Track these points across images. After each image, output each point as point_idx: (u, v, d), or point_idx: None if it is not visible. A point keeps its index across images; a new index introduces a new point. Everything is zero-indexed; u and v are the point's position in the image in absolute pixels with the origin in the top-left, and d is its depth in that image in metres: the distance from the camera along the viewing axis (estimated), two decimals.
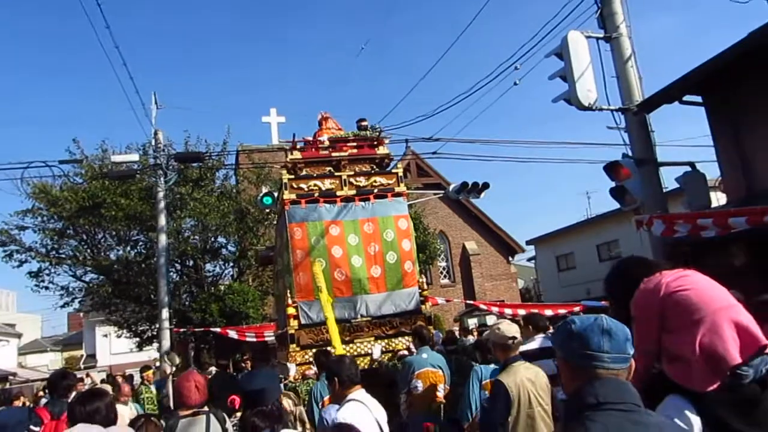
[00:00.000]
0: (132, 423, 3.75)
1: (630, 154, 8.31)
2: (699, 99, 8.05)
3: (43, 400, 11.14)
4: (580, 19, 9.10)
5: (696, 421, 1.89)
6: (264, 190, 12.81)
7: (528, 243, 30.36)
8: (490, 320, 18.80)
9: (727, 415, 1.86)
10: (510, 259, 28.15)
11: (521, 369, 3.99)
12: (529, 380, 3.92)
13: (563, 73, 8.41)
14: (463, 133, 26.34)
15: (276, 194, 9.67)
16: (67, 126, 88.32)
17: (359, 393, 3.55)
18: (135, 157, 14.68)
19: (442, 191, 18.21)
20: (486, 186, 15.00)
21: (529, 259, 34.71)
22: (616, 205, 8.72)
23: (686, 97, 7.92)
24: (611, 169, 7.82)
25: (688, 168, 8.58)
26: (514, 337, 4.15)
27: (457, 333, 16.03)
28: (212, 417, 3.80)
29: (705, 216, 6.19)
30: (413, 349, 7.18)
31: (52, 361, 44.27)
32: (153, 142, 14.63)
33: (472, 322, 18.05)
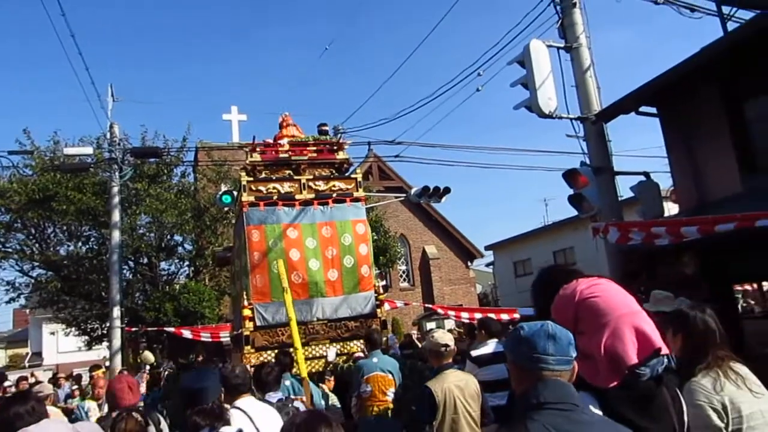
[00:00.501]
0: (114, 418, 3.58)
1: (588, 162, 8.50)
2: (654, 110, 8.26)
3: None
4: (542, 28, 9.28)
5: (598, 414, 2.07)
6: (223, 188, 12.59)
7: (486, 248, 30.70)
8: (448, 324, 18.92)
9: (626, 409, 2.04)
10: (469, 263, 28.43)
11: (451, 376, 4.33)
12: (457, 387, 4.24)
13: (525, 80, 8.52)
14: (424, 138, 26.51)
15: (235, 193, 9.64)
16: (16, 117, 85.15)
17: (245, 401, 3.51)
18: (89, 150, 14.22)
19: (404, 195, 18.27)
20: (447, 190, 15.13)
21: (487, 265, 35.14)
22: (572, 213, 8.90)
23: (642, 108, 8.10)
24: (570, 176, 7.96)
25: (642, 177, 8.81)
26: (447, 345, 4.49)
27: (415, 337, 16.12)
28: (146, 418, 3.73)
29: (659, 224, 6.34)
30: (367, 352, 7.12)
31: None
32: (108, 136, 14.23)
33: (431, 326, 18.16)
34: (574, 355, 1.80)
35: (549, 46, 8.63)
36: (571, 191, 8.16)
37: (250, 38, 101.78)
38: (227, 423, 2.99)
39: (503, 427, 1.80)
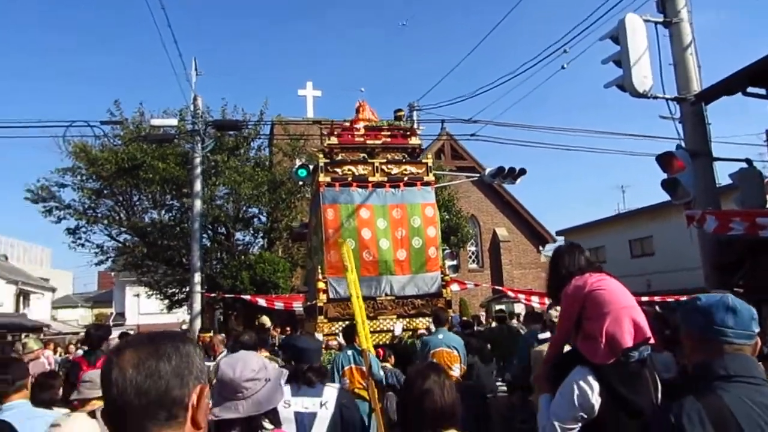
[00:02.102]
0: None
1: (683, 146, 8.01)
2: (763, 92, 7.63)
3: (79, 352, 11.50)
4: (636, 3, 8.77)
5: (596, 385, 2.52)
6: (298, 162, 12.80)
7: (558, 234, 29.82)
8: (518, 308, 18.62)
9: (617, 383, 2.51)
10: (540, 248, 27.75)
11: None
12: None
13: (618, 57, 8.10)
14: (500, 117, 25.86)
15: (310, 167, 9.91)
16: (107, 85, 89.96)
17: None
18: (174, 121, 14.76)
19: (477, 175, 17.97)
20: (523, 172, 14.76)
21: None
22: (651, 201, 8.47)
23: (750, 89, 7.50)
24: (664, 160, 7.53)
25: (743, 164, 8.24)
26: None
27: (483, 319, 15.95)
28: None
29: (764, 215, 5.90)
30: (432, 329, 7.53)
31: (82, 317, 45.62)
32: (192, 108, 14.70)
33: (499, 308, 17.91)
34: (757, 330, 1.80)
35: (646, 21, 8.15)
36: (664, 175, 7.72)
37: (326, 14, 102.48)
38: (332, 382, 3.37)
39: (690, 396, 1.71)
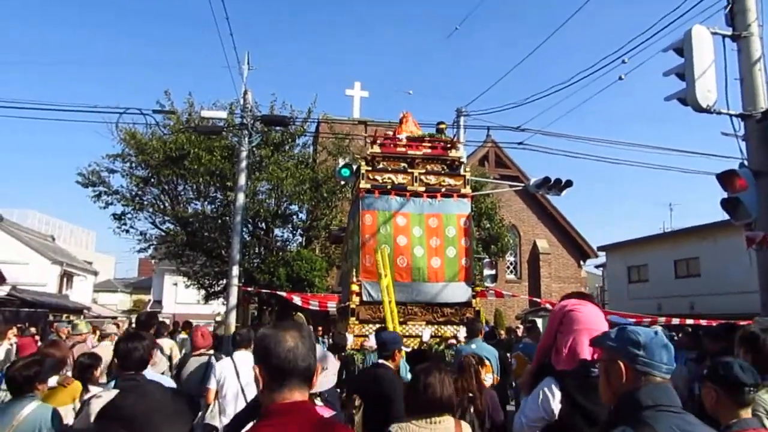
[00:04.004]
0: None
1: (746, 164, 7.65)
2: None
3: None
4: (702, 15, 8.45)
5: (557, 393, 2.93)
6: (342, 162, 12.80)
7: (599, 249, 29.19)
8: None
9: (576, 392, 2.86)
10: (581, 262, 27.17)
11: None
12: None
13: (681, 69, 7.82)
14: (549, 127, 25.43)
15: (354, 167, 10.07)
16: (160, 71, 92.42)
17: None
18: (224, 114, 14.94)
19: (520, 184, 17.68)
20: (569, 184, 14.44)
21: (597, 266, 33.46)
22: (697, 221, 8.13)
23: None
24: (725, 178, 7.20)
25: None
26: None
27: (519, 332, 15.62)
28: (212, 358, 5.52)
29: None
30: (460, 338, 7.87)
31: (121, 301, 46.85)
32: (242, 102, 14.85)
33: (531, 320, 17.54)
34: (675, 365, 2.03)
35: (713, 34, 7.84)
36: (714, 195, 7.42)
37: (377, 16, 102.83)
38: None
39: (624, 426, 1.86)
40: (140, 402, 1.76)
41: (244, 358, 5.18)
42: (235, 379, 4.96)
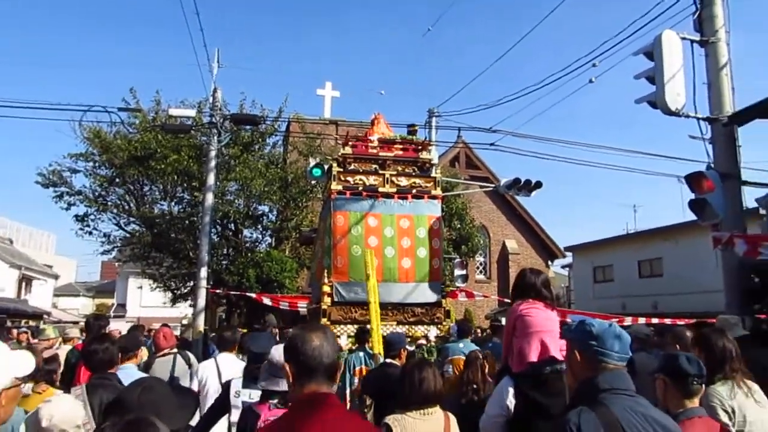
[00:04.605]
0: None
1: (712, 167, 7.84)
2: None
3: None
4: (672, 20, 8.63)
5: (511, 390, 3.31)
6: (312, 162, 12.69)
7: (566, 249, 29.63)
8: None
9: (529, 389, 3.25)
10: (549, 262, 27.54)
11: None
12: None
13: (651, 73, 7.97)
14: (521, 130, 25.70)
15: (325, 167, 10.07)
16: (124, 73, 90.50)
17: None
18: (192, 112, 14.63)
19: (491, 185, 17.81)
20: (539, 185, 14.61)
21: (563, 266, 33.97)
22: (662, 222, 8.33)
23: None
24: (694, 180, 7.36)
25: None
26: None
27: (489, 331, 15.73)
28: (177, 356, 5.61)
29: None
30: (430, 338, 8.14)
31: (83, 306, 45.56)
32: (211, 100, 14.57)
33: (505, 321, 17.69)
34: (630, 354, 2.25)
35: (683, 39, 8.01)
36: (676, 197, 7.59)
37: (349, 16, 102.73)
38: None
39: (583, 407, 2.07)
40: (144, 396, 1.95)
41: (228, 360, 5.13)
42: (217, 381, 4.92)
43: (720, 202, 7.33)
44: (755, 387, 3.30)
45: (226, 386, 4.08)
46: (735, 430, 3.10)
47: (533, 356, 3.37)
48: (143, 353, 6.18)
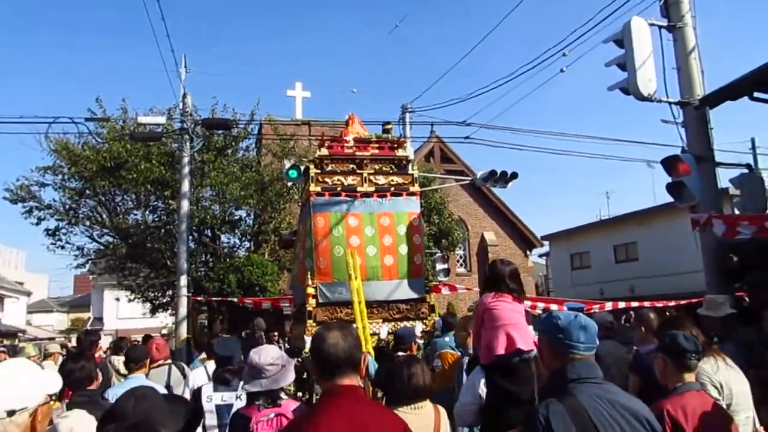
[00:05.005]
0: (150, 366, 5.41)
1: (687, 150, 7.97)
2: None
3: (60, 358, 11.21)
4: (639, 7, 8.74)
5: (482, 380, 3.60)
6: (288, 163, 12.61)
7: (543, 238, 29.96)
8: None
9: (499, 377, 3.52)
10: (528, 252, 27.79)
11: None
12: None
13: (622, 60, 8.06)
14: (495, 121, 25.82)
15: (302, 168, 10.04)
16: (90, 83, 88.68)
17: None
18: (162, 119, 14.40)
19: (467, 178, 17.89)
20: (514, 176, 14.73)
21: (540, 255, 34.34)
22: (635, 207, 8.46)
23: (756, 94, 7.48)
24: (670, 163, 7.48)
25: (744, 170, 8.24)
26: None
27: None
28: (173, 366, 5.82)
29: None
30: (416, 333, 8.00)
31: (58, 321, 44.57)
32: (181, 105, 14.34)
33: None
34: (597, 343, 2.33)
35: (651, 25, 8.12)
36: (647, 182, 7.73)
37: (317, 16, 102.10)
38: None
39: (551, 397, 2.16)
40: (139, 405, 2.06)
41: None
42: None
43: (696, 184, 7.45)
44: (728, 358, 3.55)
45: (197, 393, 4.18)
46: (725, 403, 3.25)
47: (500, 349, 3.58)
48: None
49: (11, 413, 1.80)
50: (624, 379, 5.00)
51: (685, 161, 7.38)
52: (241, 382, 3.92)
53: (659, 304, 15.29)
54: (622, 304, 14.75)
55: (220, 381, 4.10)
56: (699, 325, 4.36)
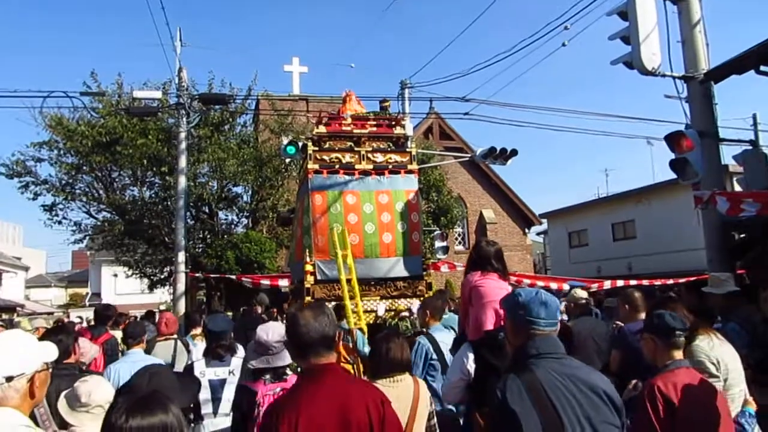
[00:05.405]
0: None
1: (690, 125, 7.86)
2: None
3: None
4: None
5: (471, 356, 3.68)
6: (285, 140, 12.50)
7: (542, 216, 29.93)
8: None
9: (486, 353, 3.57)
10: (526, 230, 27.76)
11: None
12: None
13: (626, 33, 7.91)
14: (495, 97, 25.59)
15: (300, 144, 10.01)
16: (82, 57, 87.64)
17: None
18: (158, 94, 14.20)
19: (467, 155, 17.76)
20: (514, 153, 14.66)
21: (538, 233, 34.35)
22: (632, 185, 8.38)
23: (763, 68, 7.34)
24: (673, 139, 7.37)
25: (748, 146, 8.14)
26: None
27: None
28: (178, 341, 6.00)
29: None
30: (413, 310, 8.18)
31: (56, 296, 44.68)
32: (176, 80, 14.13)
33: None
34: (560, 318, 2.40)
35: None
36: (646, 160, 7.66)
37: None
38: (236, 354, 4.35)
39: (510, 372, 2.22)
40: (153, 380, 2.27)
41: None
42: None
43: (699, 160, 7.36)
44: (720, 335, 3.69)
45: (189, 369, 4.29)
46: (722, 377, 3.39)
47: (489, 325, 3.65)
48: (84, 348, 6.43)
49: (9, 379, 1.89)
50: (603, 354, 5.17)
51: (689, 137, 7.29)
52: (233, 358, 4.20)
53: (657, 282, 15.36)
54: (620, 283, 14.77)
55: (212, 356, 4.19)
56: (704, 302, 4.36)
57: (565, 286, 13.77)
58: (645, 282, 15.16)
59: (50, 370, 2.19)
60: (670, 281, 15.22)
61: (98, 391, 2.76)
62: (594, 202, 28.17)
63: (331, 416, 2.08)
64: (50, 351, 2.18)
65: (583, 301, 7.34)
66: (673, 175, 7.78)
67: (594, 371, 2.33)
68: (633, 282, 14.64)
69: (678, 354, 2.99)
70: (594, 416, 2.11)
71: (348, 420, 2.09)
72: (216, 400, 4.01)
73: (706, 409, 2.79)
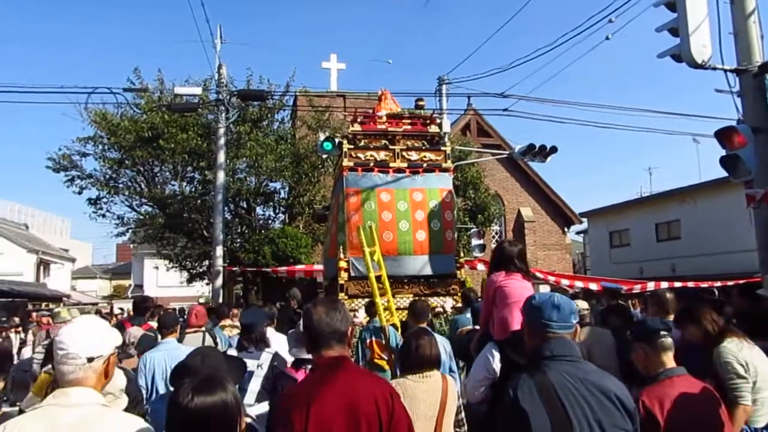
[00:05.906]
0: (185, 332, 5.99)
1: (743, 121, 7.50)
2: None
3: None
4: None
5: (497, 355, 3.57)
6: (322, 136, 12.55)
7: (582, 215, 29.28)
8: (543, 290, 18.25)
9: (511, 352, 3.42)
10: (566, 229, 27.22)
11: None
12: None
13: (674, 25, 7.58)
14: (535, 93, 25.17)
15: (336, 140, 10.04)
16: (127, 53, 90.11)
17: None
18: (198, 90, 14.38)
19: (504, 152, 17.51)
20: (554, 150, 14.37)
21: (578, 232, 33.65)
22: (678, 184, 8.02)
23: None
24: (724, 135, 7.04)
25: None
26: None
27: None
28: (206, 334, 6.11)
29: None
30: (447, 308, 8.36)
31: (100, 288, 46.09)
32: (216, 76, 14.33)
33: None
34: (575, 321, 2.38)
35: None
36: (692, 157, 7.33)
37: None
38: (268, 346, 4.48)
39: (524, 374, 2.23)
40: (206, 361, 2.54)
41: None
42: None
43: (752, 157, 7.02)
44: (748, 339, 3.65)
45: None
46: (751, 380, 3.39)
47: (516, 325, 3.59)
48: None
49: (90, 360, 2.10)
50: (607, 361, 4.84)
51: (741, 133, 6.94)
52: (263, 352, 4.30)
53: (704, 285, 14.80)
54: (664, 284, 14.29)
55: (241, 348, 4.31)
56: (758, 305, 4.16)
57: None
58: (690, 284, 14.61)
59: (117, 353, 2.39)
60: (718, 283, 14.63)
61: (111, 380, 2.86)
62: (637, 201, 27.41)
63: (339, 408, 2.15)
64: (118, 337, 2.38)
65: (584, 313, 6.96)
66: (721, 174, 7.47)
67: (607, 375, 2.32)
68: (677, 284, 14.13)
69: (669, 359, 2.94)
70: (605, 420, 2.12)
71: (357, 411, 2.16)
72: (241, 390, 4.05)
73: (697, 422, 2.72)
